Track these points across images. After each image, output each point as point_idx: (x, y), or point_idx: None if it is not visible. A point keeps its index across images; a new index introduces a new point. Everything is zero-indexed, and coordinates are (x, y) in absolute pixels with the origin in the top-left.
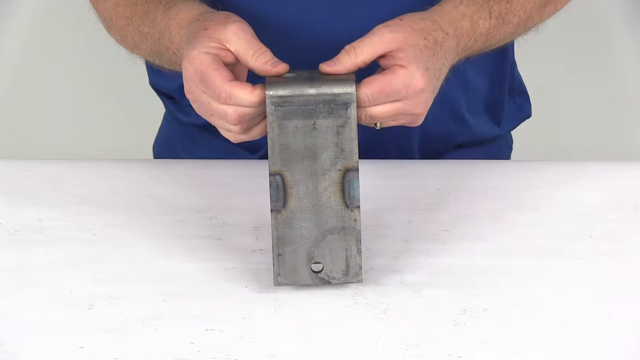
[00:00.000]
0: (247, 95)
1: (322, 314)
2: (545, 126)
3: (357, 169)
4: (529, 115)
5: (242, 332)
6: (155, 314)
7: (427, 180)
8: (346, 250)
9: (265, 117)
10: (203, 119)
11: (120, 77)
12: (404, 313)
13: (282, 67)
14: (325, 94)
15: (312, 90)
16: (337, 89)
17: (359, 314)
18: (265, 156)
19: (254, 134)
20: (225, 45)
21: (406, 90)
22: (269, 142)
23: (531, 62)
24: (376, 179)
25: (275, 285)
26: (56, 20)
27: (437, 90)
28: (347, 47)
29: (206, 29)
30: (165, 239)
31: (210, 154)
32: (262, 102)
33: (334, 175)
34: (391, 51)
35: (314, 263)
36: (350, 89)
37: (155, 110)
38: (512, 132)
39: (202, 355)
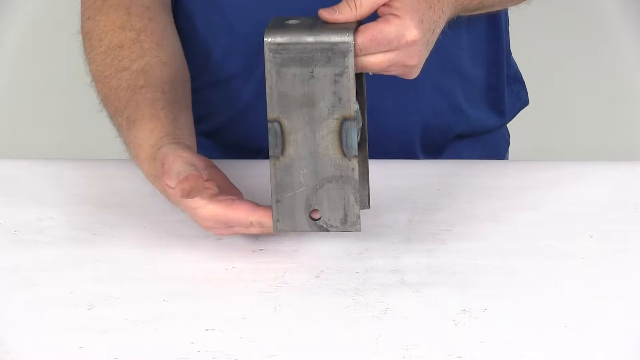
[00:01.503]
0: (262, 214)
1: (322, 314)
2: (545, 126)
3: (354, 118)
4: (526, 103)
5: (242, 332)
6: (155, 314)
7: (427, 180)
8: (344, 199)
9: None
10: (203, 127)
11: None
12: (404, 313)
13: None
14: (323, 43)
15: (310, 38)
16: (334, 38)
17: (359, 314)
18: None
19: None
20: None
21: (398, 41)
22: (268, 89)
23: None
24: (376, 178)
25: (274, 230)
26: (56, 21)
27: (432, 44)
28: None
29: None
30: (165, 239)
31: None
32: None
33: (332, 124)
34: (389, 0)
35: (313, 210)
36: (347, 37)
37: None
38: (512, 131)
39: (202, 355)
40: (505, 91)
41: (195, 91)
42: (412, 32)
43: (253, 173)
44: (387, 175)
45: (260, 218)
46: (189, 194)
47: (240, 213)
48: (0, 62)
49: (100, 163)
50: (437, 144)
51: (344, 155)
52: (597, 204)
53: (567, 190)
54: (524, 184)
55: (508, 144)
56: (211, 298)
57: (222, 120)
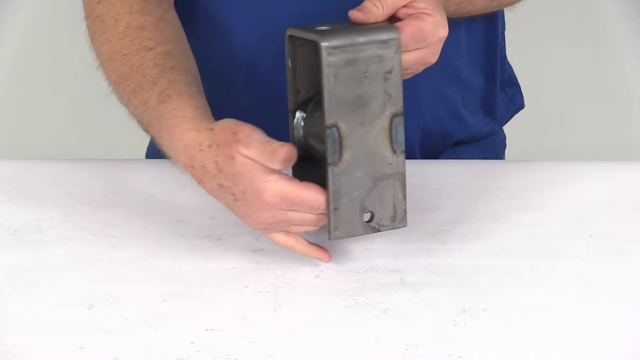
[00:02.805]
0: (319, 194)
1: (322, 314)
2: (545, 126)
3: (402, 114)
4: (521, 106)
5: (242, 332)
6: (155, 314)
7: (427, 180)
8: (394, 195)
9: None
10: None
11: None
12: (404, 313)
13: (285, 150)
14: (375, 41)
15: (362, 39)
16: (384, 36)
17: (359, 314)
18: None
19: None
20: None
21: (432, 38)
22: (326, 94)
23: (530, 62)
24: None
25: (331, 239)
26: (56, 21)
27: None
28: None
29: (233, 157)
30: (166, 239)
31: None
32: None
33: (383, 122)
34: (410, 1)
35: (367, 213)
36: (395, 34)
37: None
38: (511, 132)
39: (202, 355)
40: (498, 96)
41: None
42: (444, 29)
43: None
44: None
45: (323, 196)
46: (289, 161)
47: (311, 193)
48: (0, 62)
49: (100, 163)
50: (435, 149)
51: (394, 151)
52: (597, 204)
53: (567, 190)
54: (524, 184)
55: (504, 145)
56: (211, 298)
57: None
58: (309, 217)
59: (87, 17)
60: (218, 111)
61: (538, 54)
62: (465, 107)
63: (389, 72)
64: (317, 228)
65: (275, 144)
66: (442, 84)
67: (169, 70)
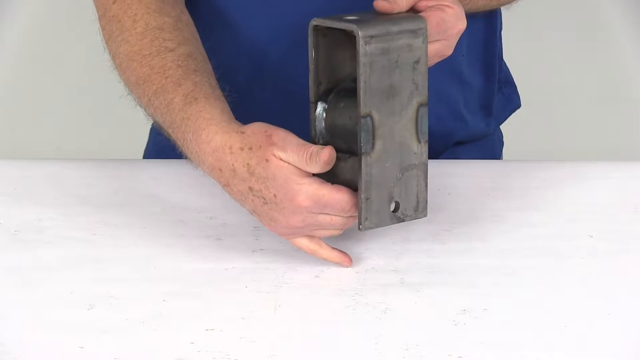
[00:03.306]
0: (349, 196)
1: (322, 314)
2: (545, 126)
3: (427, 104)
4: (518, 106)
5: (242, 332)
6: (155, 314)
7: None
8: (417, 185)
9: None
10: None
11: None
12: (404, 313)
13: (326, 153)
14: (406, 31)
15: (395, 28)
16: (413, 25)
17: (359, 314)
18: None
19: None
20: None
21: (452, 30)
22: (362, 83)
23: (531, 62)
24: None
25: (360, 230)
26: (56, 21)
27: None
28: None
29: (267, 160)
30: (166, 239)
31: None
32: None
33: (411, 112)
34: None
35: (394, 202)
36: (423, 24)
37: None
38: (506, 132)
39: (202, 355)
40: (495, 95)
41: None
42: (464, 22)
43: None
44: None
45: (355, 201)
46: (330, 164)
47: (344, 196)
48: (0, 62)
49: (100, 163)
50: (436, 148)
51: (419, 141)
52: (597, 204)
53: (567, 190)
54: (524, 184)
55: (502, 144)
56: (211, 298)
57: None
58: (338, 219)
59: (102, 17)
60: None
61: (534, 54)
62: (466, 107)
63: (417, 61)
64: (341, 232)
65: (314, 147)
66: (444, 83)
67: (193, 72)
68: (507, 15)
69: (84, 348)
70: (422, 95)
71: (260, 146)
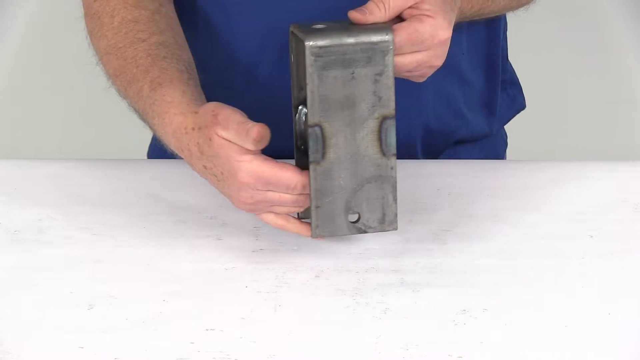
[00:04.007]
0: (298, 177)
1: (322, 314)
2: (545, 126)
3: (394, 117)
4: (523, 107)
5: (242, 332)
6: (155, 314)
7: (427, 180)
8: (382, 198)
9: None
10: None
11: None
12: (404, 313)
13: (255, 130)
14: (364, 43)
15: (350, 40)
16: (374, 37)
17: (359, 314)
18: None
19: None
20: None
21: (431, 40)
22: (309, 93)
23: (531, 62)
24: None
25: (312, 237)
26: (56, 20)
27: None
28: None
29: (210, 138)
30: (166, 239)
31: None
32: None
33: (372, 124)
34: (416, 2)
35: (351, 213)
36: (387, 37)
37: None
38: (511, 132)
39: (202, 355)
40: (498, 95)
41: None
42: (445, 32)
43: None
44: None
45: (305, 180)
46: (260, 141)
47: (286, 173)
48: (0, 62)
49: (100, 163)
50: (437, 147)
51: (383, 154)
52: (597, 204)
53: (567, 190)
54: (524, 184)
55: (506, 144)
56: (211, 298)
57: None
58: (287, 197)
59: (85, 15)
60: None
61: (534, 54)
62: (467, 105)
63: (379, 74)
64: (301, 209)
65: (250, 124)
66: (444, 81)
67: (162, 59)
68: (511, 16)
69: (84, 348)
70: (386, 108)
71: (207, 125)
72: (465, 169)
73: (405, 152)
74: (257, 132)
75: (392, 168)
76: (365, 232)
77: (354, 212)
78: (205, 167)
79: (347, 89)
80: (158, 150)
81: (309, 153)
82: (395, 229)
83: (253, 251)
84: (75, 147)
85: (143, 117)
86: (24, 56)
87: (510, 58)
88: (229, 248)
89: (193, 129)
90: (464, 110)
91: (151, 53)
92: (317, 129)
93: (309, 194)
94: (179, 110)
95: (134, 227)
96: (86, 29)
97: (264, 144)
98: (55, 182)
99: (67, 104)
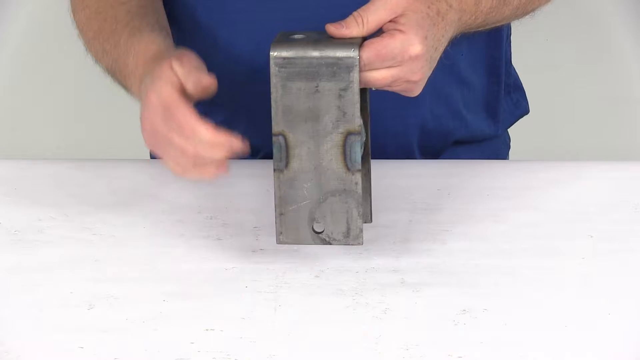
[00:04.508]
0: (209, 134)
1: (322, 314)
2: (545, 126)
3: (358, 133)
4: (526, 112)
5: (242, 332)
6: (155, 314)
7: (427, 180)
8: (347, 212)
9: (220, 159)
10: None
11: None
12: (404, 313)
13: (207, 79)
14: (328, 57)
15: (315, 53)
16: (340, 53)
17: (359, 314)
18: (266, 157)
19: (206, 173)
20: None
21: (402, 56)
22: (273, 102)
23: (531, 62)
24: (376, 179)
25: (277, 243)
26: (56, 21)
27: (435, 62)
28: (355, 14)
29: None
30: (166, 239)
31: None
32: (221, 145)
33: (336, 138)
34: (396, 17)
35: (316, 223)
36: (353, 53)
37: None
38: (511, 133)
39: (202, 355)
40: (501, 99)
41: None
42: (416, 47)
43: (251, 173)
44: (387, 175)
45: (196, 125)
46: (202, 89)
47: (191, 118)
48: (0, 62)
49: (100, 163)
50: (435, 147)
51: (348, 169)
52: (597, 204)
53: (567, 190)
54: (524, 184)
55: (509, 147)
56: (211, 298)
57: (222, 118)
58: (188, 148)
59: None
60: (216, 108)
61: (534, 55)
62: (466, 106)
63: (344, 89)
64: (197, 173)
65: (205, 75)
66: (441, 81)
67: (142, 15)
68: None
69: (84, 348)
70: (350, 124)
71: (170, 56)
72: (465, 169)
73: (402, 152)
74: (207, 80)
75: (356, 184)
76: (329, 243)
77: (318, 223)
78: (140, 87)
79: (311, 102)
80: None
81: (273, 161)
82: (361, 244)
83: (253, 251)
84: (75, 147)
85: (118, 70)
86: (24, 56)
87: (513, 63)
88: (229, 248)
89: (161, 58)
90: (463, 112)
91: (131, 11)
92: (280, 137)
93: (274, 201)
94: (157, 45)
95: (134, 227)
96: (70, 9)
97: (203, 94)
98: (55, 182)
99: (68, 104)
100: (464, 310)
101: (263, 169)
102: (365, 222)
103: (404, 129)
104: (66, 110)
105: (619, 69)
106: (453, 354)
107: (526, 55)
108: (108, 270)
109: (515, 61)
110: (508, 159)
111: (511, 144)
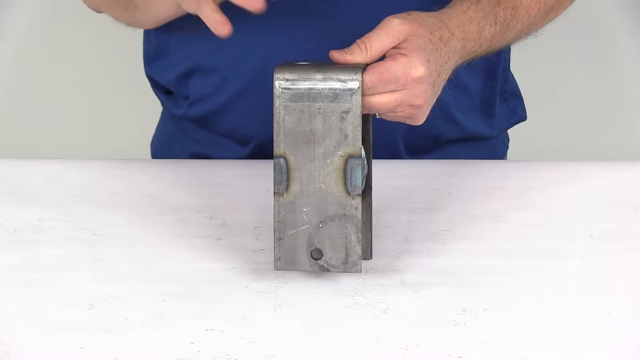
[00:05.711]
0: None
1: (322, 314)
2: (545, 126)
3: (359, 156)
4: (523, 118)
5: (242, 332)
6: (155, 314)
7: (427, 180)
8: (346, 238)
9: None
10: (196, 111)
11: (120, 78)
12: (404, 313)
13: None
14: (331, 79)
15: (318, 75)
16: (343, 76)
17: (359, 314)
18: (255, 150)
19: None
20: None
21: (405, 78)
22: (275, 124)
23: (531, 62)
24: (376, 179)
25: (275, 269)
26: (56, 21)
27: (439, 88)
28: (359, 41)
29: None
30: (165, 239)
31: (202, 147)
32: None
33: (337, 161)
34: (399, 42)
35: (314, 250)
36: (356, 76)
37: (155, 110)
38: (511, 133)
39: (202, 355)
40: (497, 105)
41: (188, 74)
42: (418, 70)
43: (251, 173)
44: (387, 175)
45: None
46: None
47: (219, 15)
48: (0, 62)
49: (100, 163)
50: (424, 147)
51: (348, 193)
52: (597, 204)
53: (567, 190)
54: (524, 184)
55: (507, 147)
56: (211, 298)
57: (214, 106)
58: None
59: None
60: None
61: (535, 55)
62: (459, 109)
63: (346, 112)
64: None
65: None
66: None
67: None
68: None
69: (84, 348)
70: (352, 147)
71: None
72: (465, 169)
73: (388, 152)
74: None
75: (356, 208)
76: (328, 270)
77: (316, 249)
78: None
79: (313, 124)
80: (160, 144)
81: (274, 184)
82: (359, 271)
83: (253, 251)
84: (75, 147)
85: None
86: (24, 56)
87: (512, 70)
88: (229, 248)
89: None
90: (456, 115)
91: None
92: (282, 160)
93: (273, 225)
94: None
95: (134, 227)
96: None
97: (219, 17)
98: (55, 182)
99: (68, 104)
100: (464, 310)
101: (263, 169)
102: (364, 259)
103: (389, 128)
104: (66, 110)
105: (619, 70)
106: (453, 354)
107: (526, 55)
108: (108, 270)
109: (515, 61)
110: (506, 158)
111: (510, 144)
